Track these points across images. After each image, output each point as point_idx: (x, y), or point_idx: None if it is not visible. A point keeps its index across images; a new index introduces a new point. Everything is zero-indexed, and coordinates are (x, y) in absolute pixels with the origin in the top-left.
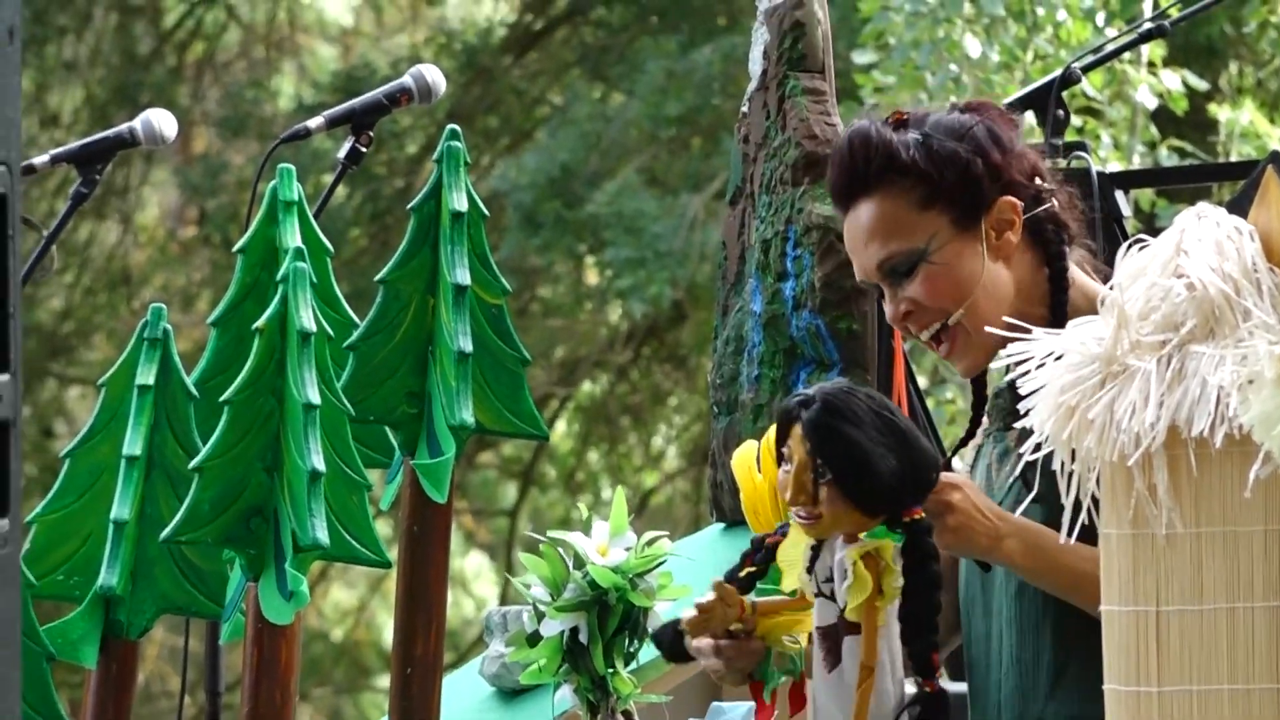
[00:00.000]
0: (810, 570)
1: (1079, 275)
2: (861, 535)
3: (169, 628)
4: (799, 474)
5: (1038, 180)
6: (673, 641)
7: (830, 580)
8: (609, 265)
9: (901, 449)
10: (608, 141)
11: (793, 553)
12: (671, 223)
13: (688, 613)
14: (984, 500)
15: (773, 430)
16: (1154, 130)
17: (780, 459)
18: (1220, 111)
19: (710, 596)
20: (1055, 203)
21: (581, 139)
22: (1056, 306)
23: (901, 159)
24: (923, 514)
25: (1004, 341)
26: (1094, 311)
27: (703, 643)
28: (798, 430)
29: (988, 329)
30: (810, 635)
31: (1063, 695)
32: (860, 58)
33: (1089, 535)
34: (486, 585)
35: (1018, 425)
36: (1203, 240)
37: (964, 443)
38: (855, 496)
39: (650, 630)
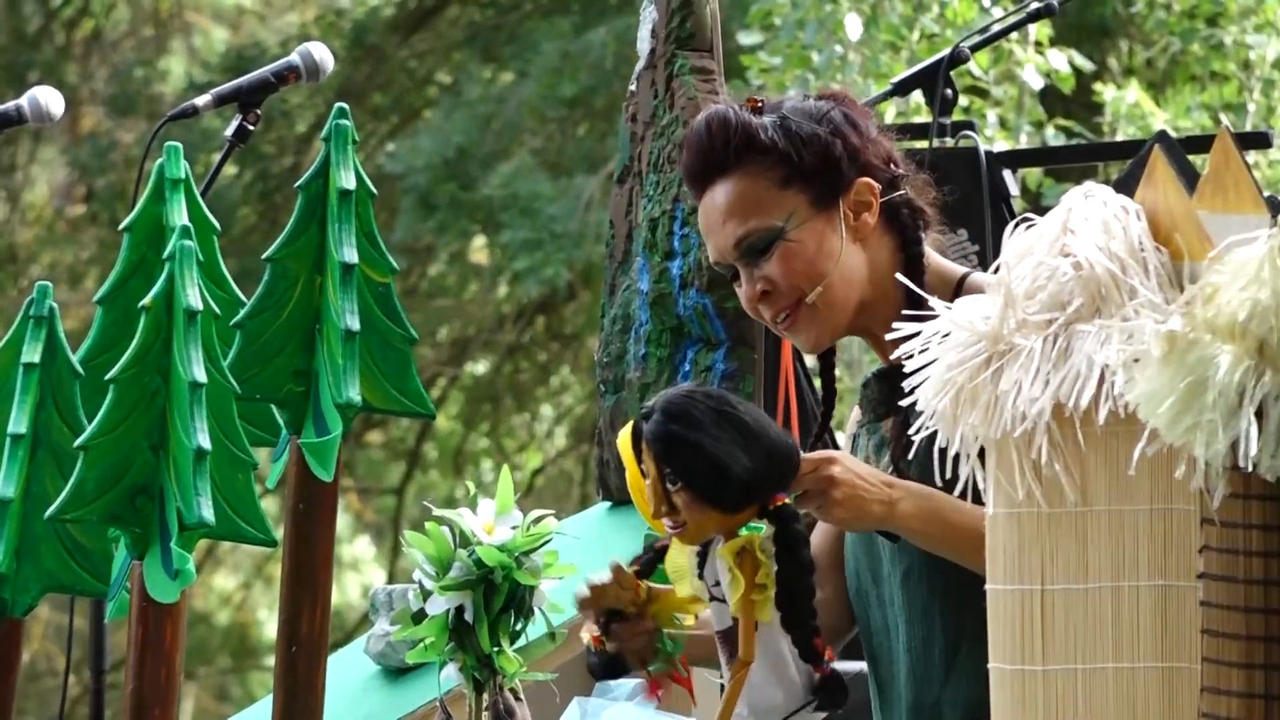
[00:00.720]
0: (701, 576)
1: (934, 258)
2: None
3: (55, 606)
4: (654, 487)
5: (893, 166)
6: (604, 662)
7: (719, 583)
8: (505, 247)
9: (748, 441)
10: (501, 122)
11: (680, 560)
12: (567, 204)
13: (580, 589)
14: (865, 469)
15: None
16: (1041, 110)
17: (644, 475)
18: (1106, 91)
19: (604, 575)
20: (910, 189)
21: (475, 120)
22: (910, 292)
23: (761, 139)
24: (787, 500)
25: (848, 322)
26: (948, 295)
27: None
28: (645, 444)
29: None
30: (712, 632)
31: (957, 679)
32: (746, 39)
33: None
34: (374, 569)
35: (903, 404)
36: (1089, 219)
37: (818, 436)
38: (710, 498)
39: (535, 607)
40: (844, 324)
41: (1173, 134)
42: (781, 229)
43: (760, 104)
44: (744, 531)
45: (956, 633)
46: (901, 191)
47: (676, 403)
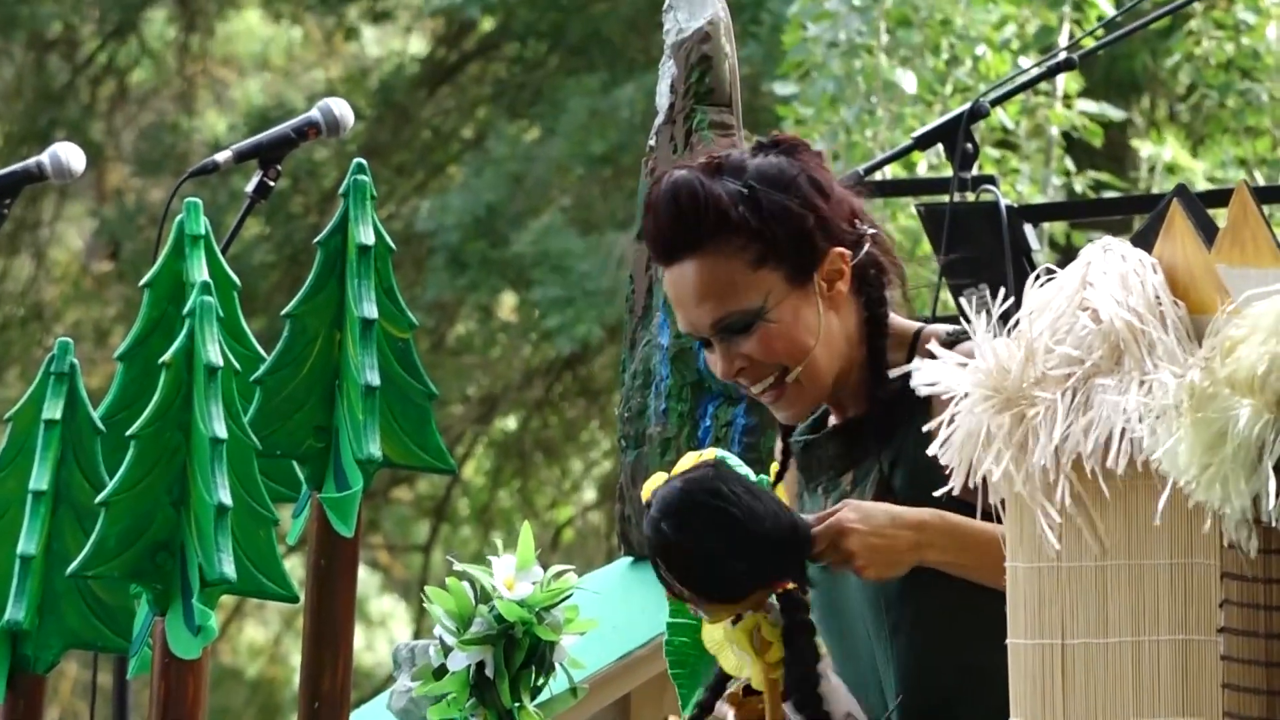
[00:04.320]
0: None
1: (895, 319)
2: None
3: (81, 663)
4: (670, 589)
5: (857, 223)
6: None
7: None
8: (536, 304)
9: (741, 538)
10: (531, 180)
11: (715, 634)
12: (598, 261)
13: None
14: (879, 515)
15: None
16: (1069, 163)
17: None
18: (1142, 146)
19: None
20: (873, 244)
21: (504, 178)
22: (873, 352)
23: (732, 217)
24: (791, 586)
25: (830, 391)
26: (904, 350)
27: None
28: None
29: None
30: None
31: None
32: (782, 89)
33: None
34: (401, 625)
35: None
36: (1108, 273)
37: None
38: (712, 598)
39: (556, 663)
40: (825, 394)
41: (1212, 187)
42: (760, 310)
43: (719, 161)
44: (750, 614)
45: (955, 683)
46: (866, 249)
47: (670, 506)
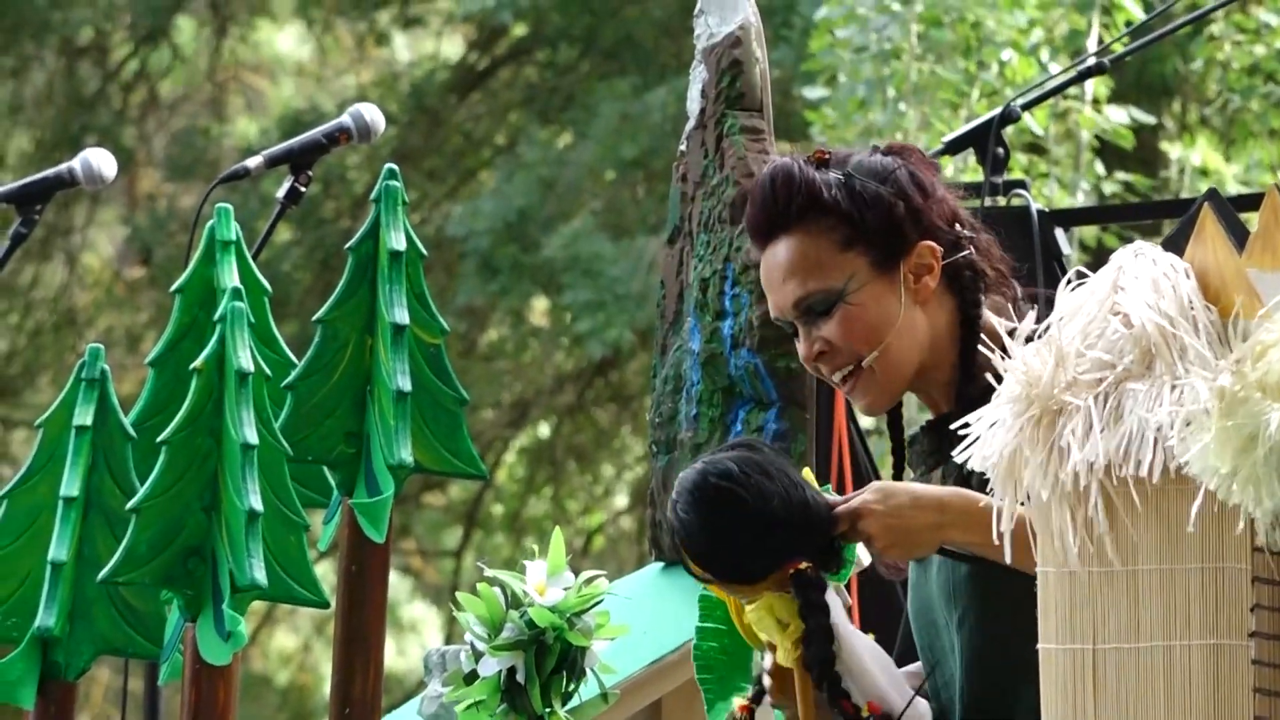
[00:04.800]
0: None
1: (989, 318)
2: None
3: (114, 669)
4: (691, 572)
5: (957, 226)
6: None
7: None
8: (568, 309)
9: (748, 518)
10: (562, 185)
11: (759, 617)
12: (629, 265)
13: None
14: (914, 494)
15: None
16: (1099, 167)
17: None
18: (1172, 149)
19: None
20: (973, 250)
21: (535, 183)
22: (966, 353)
23: (824, 198)
24: (806, 565)
25: (907, 384)
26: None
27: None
28: None
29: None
30: None
31: None
32: (812, 93)
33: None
34: (433, 631)
35: (957, 457)
36: (1139, 278)
37: None
38: (726, 578)
39: (587, 668)
40: (902, 387)
41: (1243, 191)
42: (842, 291)
43: (827, 156)
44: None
45: (1012, 677)
46: (965, 252)
47: (683, 484)
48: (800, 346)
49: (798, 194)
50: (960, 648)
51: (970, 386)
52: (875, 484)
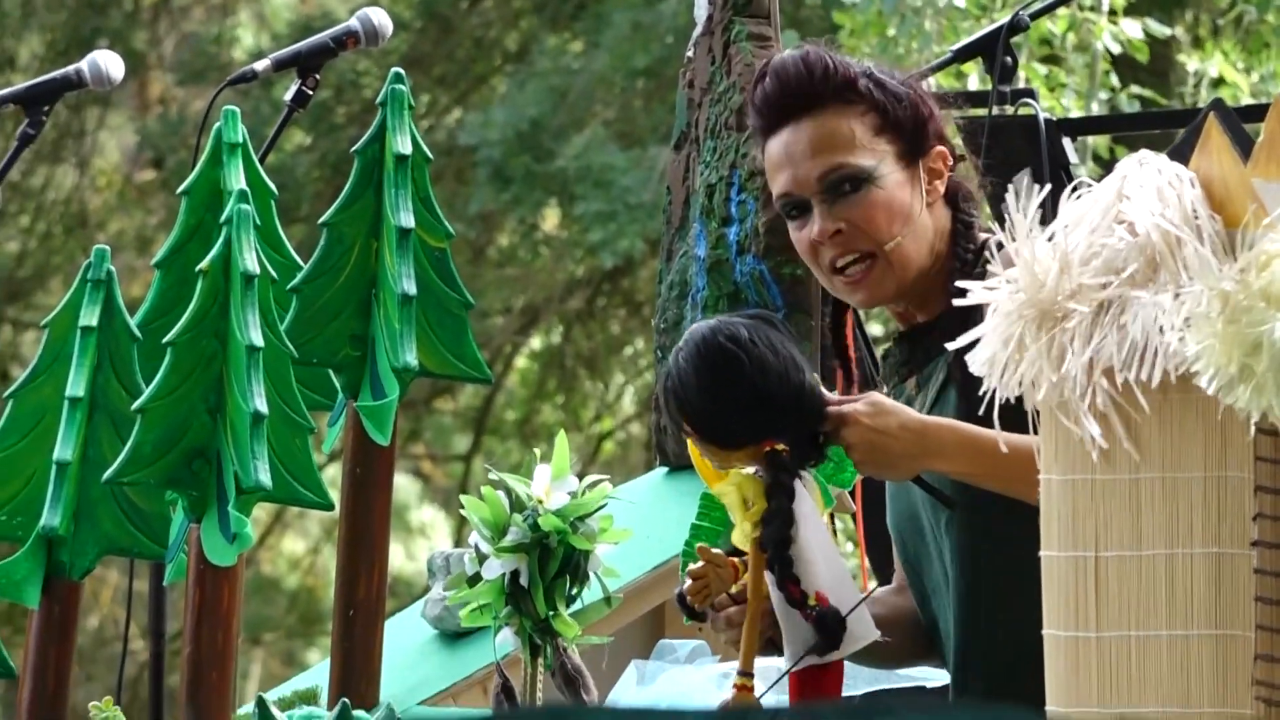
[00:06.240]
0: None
1: (985, 235)
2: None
3: (123, 570)
4: (674, 422)
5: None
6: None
7: None
8: (580, 219)
9: (742, 386)
10: (575, 94)
11: (725, 491)
12: (640, 175)
13: (687, 586)
14: (884, 421)
15: None
16: (1114, 78)
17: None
18: (1189, 61)
19: (700, 564)
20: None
21: (548, 92)
22: (958, 256)
23: (860, 84)
24: (780, 446)
25: (909, 284)
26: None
27: (716, 618)
28: None
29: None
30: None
31: (1005, 621)
32: None
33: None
34: (442, 535)
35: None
36: (1144, 186)
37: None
38: (706, 437)
39: (591, 572)
40: (906, 285)
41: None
42: (872, 171)
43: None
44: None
45: (1003, 571)
46: (962, 176)
47: (691, 336)
48: (810, 227)
49: (834, 75)
50: (951, 549)
51: (959, 294)
52: (873, 396)
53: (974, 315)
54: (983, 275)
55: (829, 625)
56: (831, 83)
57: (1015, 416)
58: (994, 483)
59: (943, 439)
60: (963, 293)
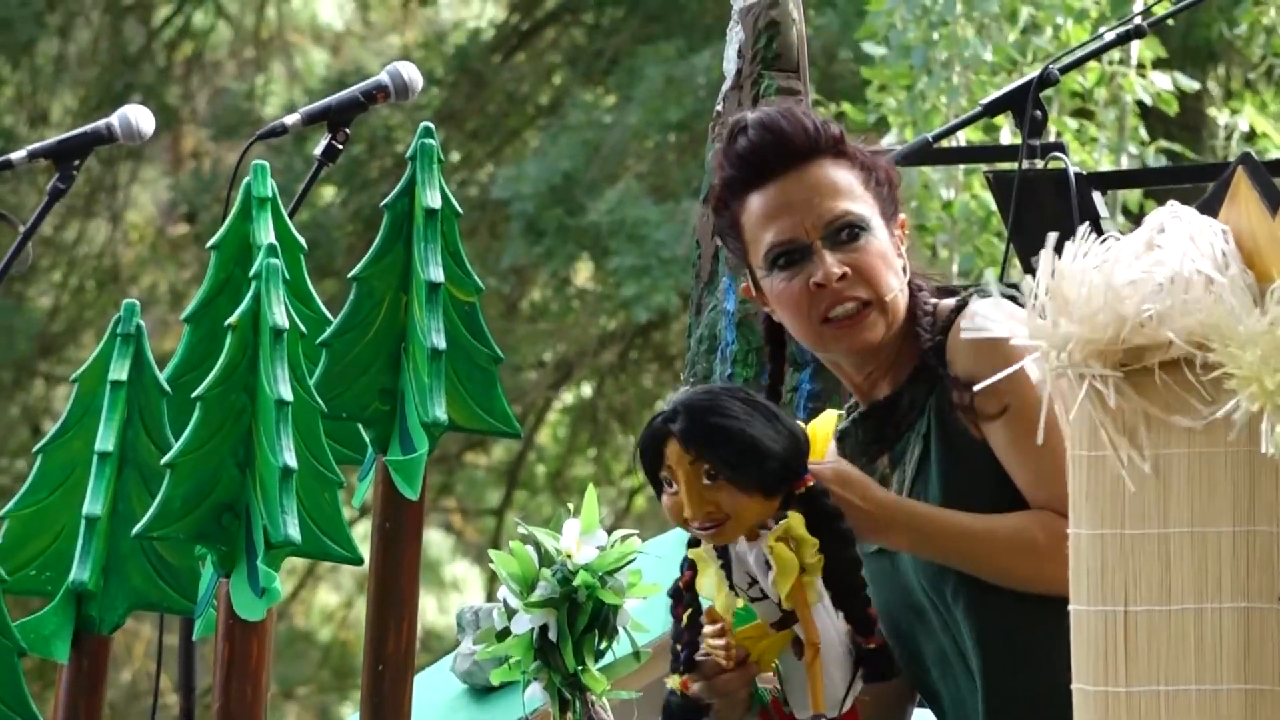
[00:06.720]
0: (732, 587)
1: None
2: (762, 529)
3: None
4: (690, 488)
5: None
6: (685, 707)
7: (755, 583)
8: (613, 273)
9: (775, 423)
10: (608, 148)
11: (707, 582)
12: (674, 229)
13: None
14: (848, 492)
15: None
16: (1143, 132)
17: (661, 486)
18: (1220, 115)
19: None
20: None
21: (581, 146)
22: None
23: (845, 143)
24: (813, 481)
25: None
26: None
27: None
28: (674, 447)
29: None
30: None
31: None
32: (872, 49)
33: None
34: (475, 589)
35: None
36: (1178, 235)
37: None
38: (754, 482)
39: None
40: (888, 339)
41: None
42: (869, 223)
43: None
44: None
45: (1018, 630)
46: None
47: (699, 398)
48: (811, 272)
49: (824, 129)
50: (964, 620)
51: (926, 354)
52: (841, 464)
53: (940, 384)
54: (942, 346)
55: (888, 653)
56: (824, 136)
57: (995, 486)
58: (960, 564)
59: (898, 520)
60: (934, 360)
